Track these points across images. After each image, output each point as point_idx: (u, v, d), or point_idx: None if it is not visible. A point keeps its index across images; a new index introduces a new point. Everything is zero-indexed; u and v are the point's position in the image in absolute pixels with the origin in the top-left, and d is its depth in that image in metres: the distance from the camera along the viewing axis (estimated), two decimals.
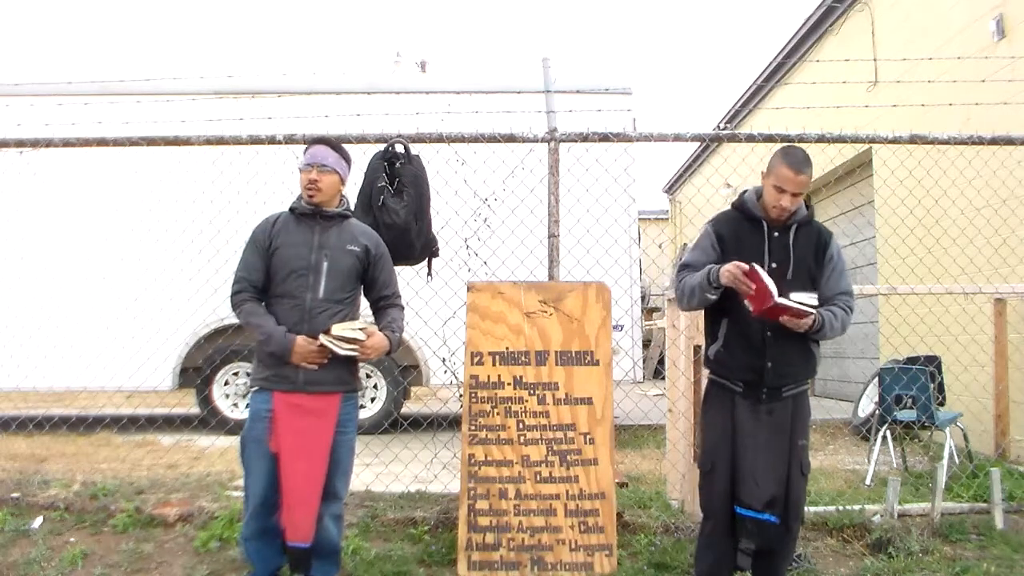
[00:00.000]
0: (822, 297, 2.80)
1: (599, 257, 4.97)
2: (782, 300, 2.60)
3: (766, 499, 2.71)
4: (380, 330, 2.93)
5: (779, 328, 2.71)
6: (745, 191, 2.94)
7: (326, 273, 2.87)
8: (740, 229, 2.88)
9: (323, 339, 2.79)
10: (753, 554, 2.76)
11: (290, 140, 3.91)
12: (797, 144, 3.96)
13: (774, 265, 2.79)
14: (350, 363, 2.93)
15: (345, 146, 3.99)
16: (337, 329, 2.79)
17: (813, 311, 2.65)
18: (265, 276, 2.91)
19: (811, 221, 2.90)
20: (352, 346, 2.80)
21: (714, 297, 2.77)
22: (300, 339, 2.79)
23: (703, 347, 3.08)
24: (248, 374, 6.57)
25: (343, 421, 2.89)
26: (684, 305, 2.95)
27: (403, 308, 3.14)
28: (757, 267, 2.62)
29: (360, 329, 2.82)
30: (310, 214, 2.94)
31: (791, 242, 2.83)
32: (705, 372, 3.07)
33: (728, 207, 3.00)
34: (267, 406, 2.82)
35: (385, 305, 3.08)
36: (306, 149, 3.00)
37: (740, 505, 2.76)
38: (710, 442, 2.91)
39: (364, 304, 3.12)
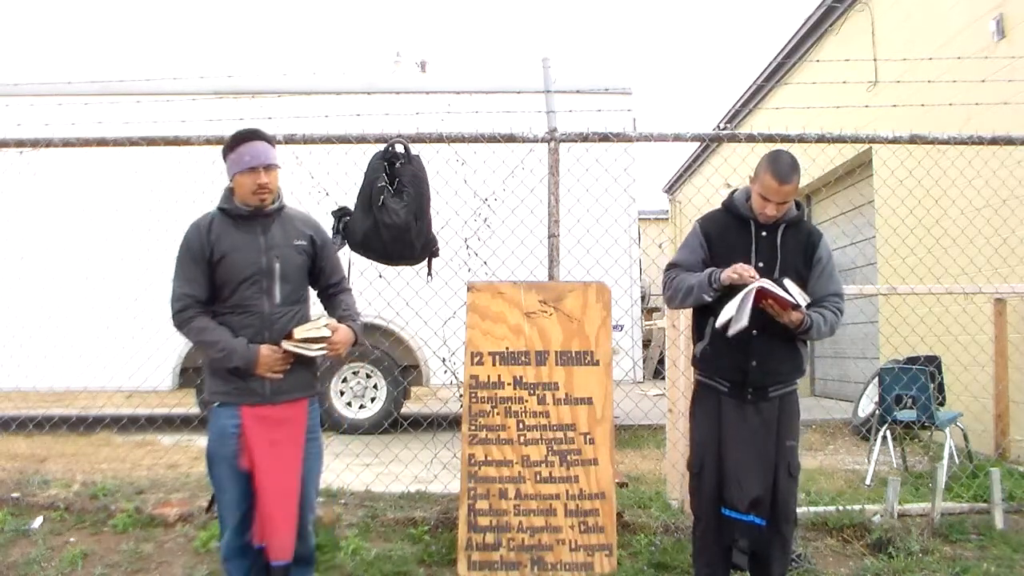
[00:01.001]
0: (812, 299, 2.79)
1: (599, 257, 4.97)
2: (764, 283, 2.60)
3: (750, 501, 2.70)
4: (340, 321, 2.79)
5: (765, 327, 2.71)
6: (735, 190, 2.95)
7: (280, 276, 2.69)
8: (728, 228, 2.88)
9: (287, 345, 2.62)
10: (749, 555, 2.76)
11: (290, 140, 3.91)
12: (797, 144, 4.00)
13: (761, 264, 2.78)
14: (311, 365, 2.78)
15: (345, 146, 4.03)
16: (300, 332, 2.64)
17: (793, 300, 2.63)
18: (210, 289, 2.67)
19: (801, 221, 2.90)
20: (320, 345, 2.66)
21: (710, 299, 2.77)
22: (264, 348, 2.61)
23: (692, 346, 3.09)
24: None
25: (311, 427, 2.76)
26: (676, 304, 2.95)
27: (351, 291, 2.97)
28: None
29: (324, 326, 2.68)
30: (248, 214, 2.71)
31: (778, 242, 2.82)
32: (691, 372, 3.08)
33: (721, 207, 3.01)
34: (234, 422, 2.62)
35: (335, 292, 2.92)
36: (235, 147, 2.71)
37: (725, 507, 2.76)
38: (698, 444, 2.91)
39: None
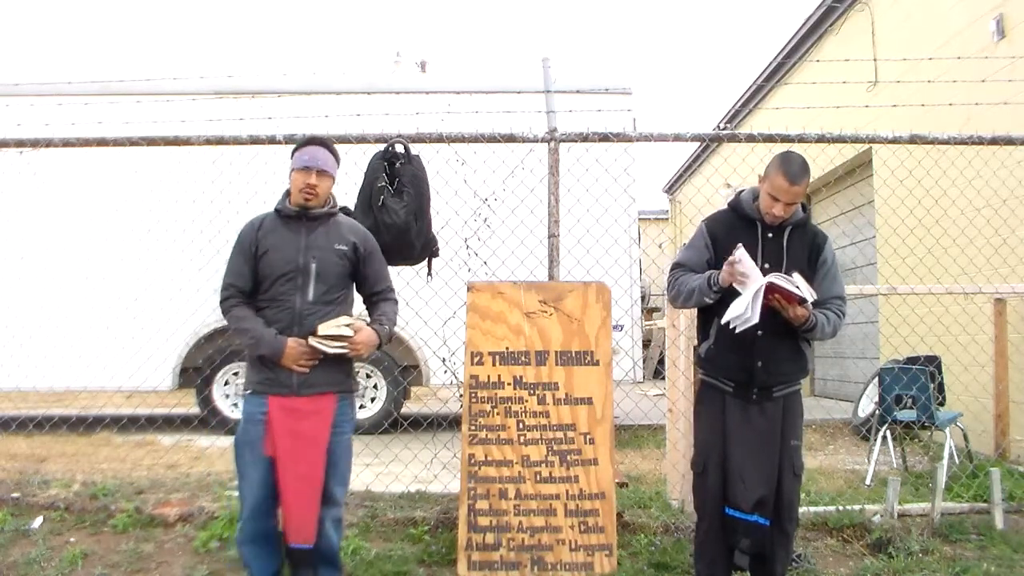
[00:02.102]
0: (815, 301, 2.79)
1: (599, 257, 4.97)
2: (773, 277, 2.60)
3: (754, 500, 2.71)
4: (369, 324, 2.91)
5: (770, 327, 2.70)
6: (742, 191, 2.95)
7: (315, 275, 2.83)
8: (734, 229, 2.88)
9: (311, 341, 2.76)
10: (751, 555, 2.76)
11: (290, 140, 3.90)
12: (797, 144, 3.99)
13: (767, 266, 2.79)
14: (344, 363, 2.90)
15: (345, 146, 4.02)
16: (324, 328, 2.77)
17: (800, 294, 2.62)
18: (253, 281, 2.87)
19: (807, 223, 2.90)
20: (340, 343, 2.77)
21: (711, 301, 2.78)
22: (291, 341, 2.75)
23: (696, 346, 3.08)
24: None
25: (339, 422, 2.86)
26: (679, 304, 2.96)
27: (396, 302, 3.10)
28: (742, 250, 2.63)
29: (347, 325, 2.80)
30: (296, 215, 2.89)
31: (785, 244, 2.83)
32: (691, 372, 3.08)
33: (727, 207, 3.01)
34: (262, 409, 2.78)
35: (378, 300, 3.05)
36: (300, 147, 2.93)
37: (729, 506, 2.76)
38: (702, 443, 2.92)
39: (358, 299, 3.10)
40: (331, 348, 2.76)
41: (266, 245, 2.85)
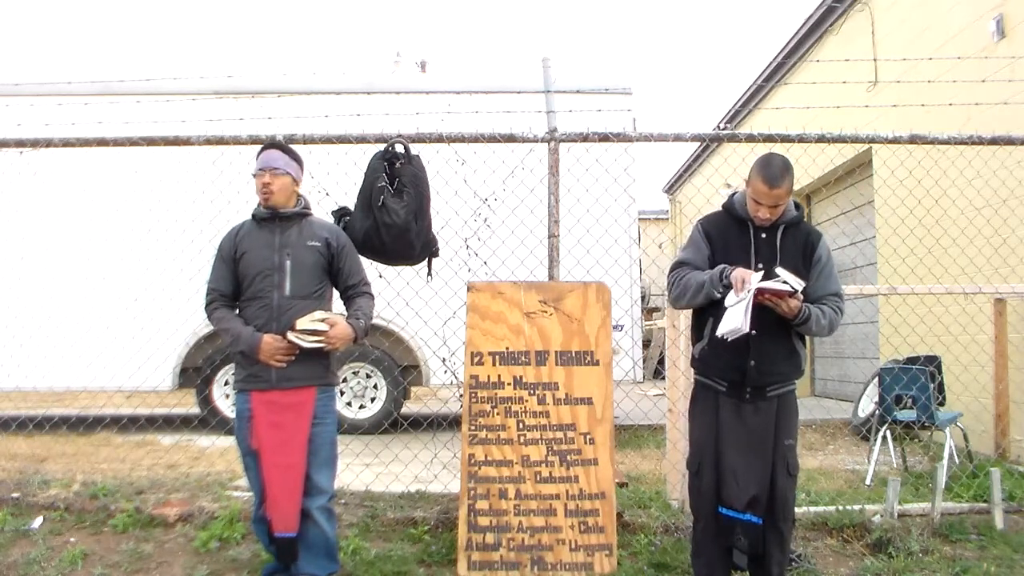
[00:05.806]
0: (811, 299, 2.79)
1: (599, 257, 4.96)
2: (758, 286, 2.61)
3: (747, 500, 2.71)
4: (346, 319, 3.01)
5: (763, 327, 2.70)
6: (734, 193, 2.95)
7: (290, 271, 2.97)
8: (727, 229, 2.89)
9: (289, 335, 2.87)
10: (748, 554, 2.76)
11: (290, 140, 3.90)
12: (797, 144, 3.99)
13: (760, 265, 2.79)
14: (323, 357, 3.00)
15: (345, 146, 4.03)
16: (300, 323, 2.88)
17: (789, 287, 2.62)
18: (234, 284, 3.04)
19: (800, 222, 2.90)
20: (317, 338, 2.87)
21: (719, 295, 2.76)
22: (267, 337, 2.88)
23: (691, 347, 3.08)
24: None
25: (320, 413, 2.97)
26: (682, 302, 2.93)
27: (372, 296, 3.20)
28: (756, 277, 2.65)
29: (322, 320, 2.90)
30: (269, 217, 3.05)
31: (778, 243, 2.83)
32: (691, 372, 3.08)
33: (721, 209, 3.01)
34: (247, 406, 2.93)
35: (353, 294, 3.16)
36: (258, 155, 3.09)
37: (723, 505, 2.76)
38: (696, 443, 2.91)
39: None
40: (307, 342, 2.86)
41: (243, 248, 3.02)
